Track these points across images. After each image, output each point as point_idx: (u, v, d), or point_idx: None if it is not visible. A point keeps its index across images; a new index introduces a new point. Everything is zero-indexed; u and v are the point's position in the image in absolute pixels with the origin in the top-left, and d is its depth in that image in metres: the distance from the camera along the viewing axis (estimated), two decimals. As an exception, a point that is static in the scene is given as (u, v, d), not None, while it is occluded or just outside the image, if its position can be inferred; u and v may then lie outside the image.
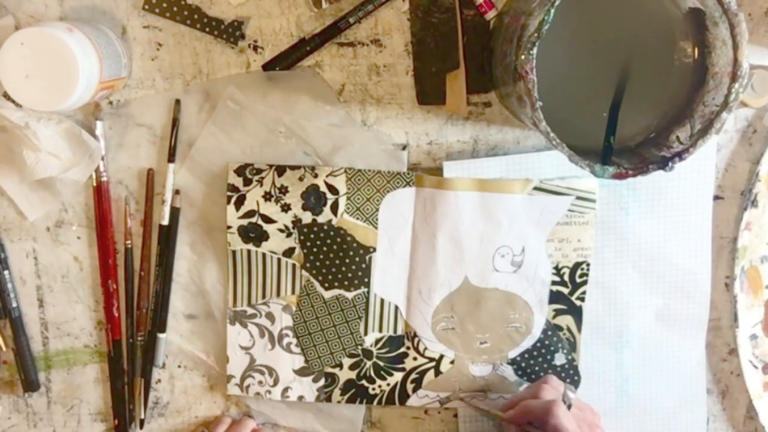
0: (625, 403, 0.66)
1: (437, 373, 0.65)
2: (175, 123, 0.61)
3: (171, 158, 0.62)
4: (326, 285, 0.63)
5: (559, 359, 0.65)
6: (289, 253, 0.63)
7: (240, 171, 0.61)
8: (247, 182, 0.61)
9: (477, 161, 0.61)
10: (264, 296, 0.64)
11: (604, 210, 0.63)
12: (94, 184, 0.62)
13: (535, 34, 0.45)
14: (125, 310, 0.64)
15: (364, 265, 0.63)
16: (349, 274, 0.63)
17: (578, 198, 0.62)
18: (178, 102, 0.61)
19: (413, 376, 0.65)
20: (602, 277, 0.64)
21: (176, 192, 0.63)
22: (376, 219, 0.62)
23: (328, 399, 0.65)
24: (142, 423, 0.66)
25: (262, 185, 0.61)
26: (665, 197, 0.63)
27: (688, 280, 0.65)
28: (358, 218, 0.62)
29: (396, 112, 0.62)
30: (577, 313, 0.64)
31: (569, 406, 0.57)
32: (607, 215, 0.63)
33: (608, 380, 0.66)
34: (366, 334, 0.64)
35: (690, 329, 0.66)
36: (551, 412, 0.55)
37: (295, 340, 0.64)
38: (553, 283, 0.63)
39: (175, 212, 0.63)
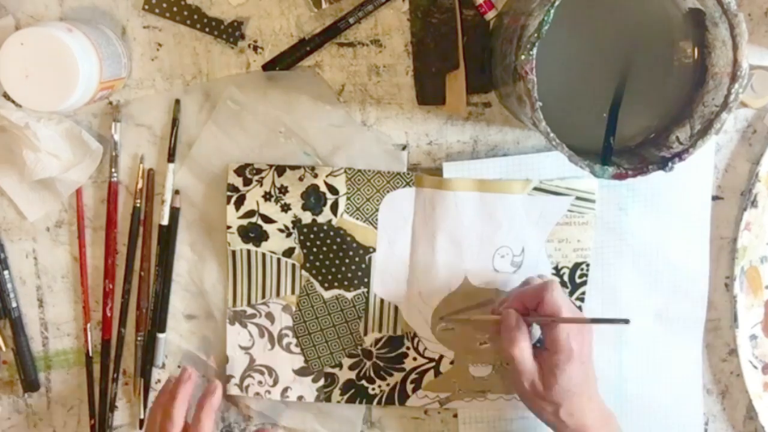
0: (624, 402, 0.66)
1: (437, 373, 0.65)
2: (175, 123, 0.61)
3: (171, 158, 0.62)
4: (326, 285, 0.63)
5: (559, 359, 0.65)
6: (288, 253, 0.63)
7: (240, 171, 0.61)
8: (247, 182, 0.61)
9: (477, 162, 0.61)
10: (264, 296, 0.64)
11: (603, 210, 0.63)
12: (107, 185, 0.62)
13: (535, 35, 0.45)
14: (119, 310, 0.64)
15: (363, 266, 0.63)
16: (349, 274, 0.63)
17: (578, 198, 0.62)
18: (178, 102, 0.61)
19: (413, 376, 0.65)
20: (602, 277, 0.64)
21: (176, 192, 0.63)
22: (376, 219, 0.62)
23: (328, 399, 0.65)
24: (141, 423, 0.66)
25: (262, 185, 0.61)
26: (664, 198, 0.63)
27: (687, 280, 0.65)
28: (358, 218, 0.62)
29: (396, 112, 0.62)
30: (576, 313, 0.64)
31: None
32: (607, 215, 0.63)
33: (607, 380, 0.66)
34: (366, 334, 0.64)
35: (688, 329, 0.66)
36: (548, 288, 0.56)
37: (294, 340, 0.64)
38: (553, 283, 0.63)
39: (174, 212, 0.63)
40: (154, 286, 0.64)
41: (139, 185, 0.62)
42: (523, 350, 0.56)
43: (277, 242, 0.63)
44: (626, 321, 0.52)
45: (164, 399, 0.61)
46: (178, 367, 0.66)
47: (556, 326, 0.55)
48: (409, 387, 0.65)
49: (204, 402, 0.61)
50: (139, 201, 0.63)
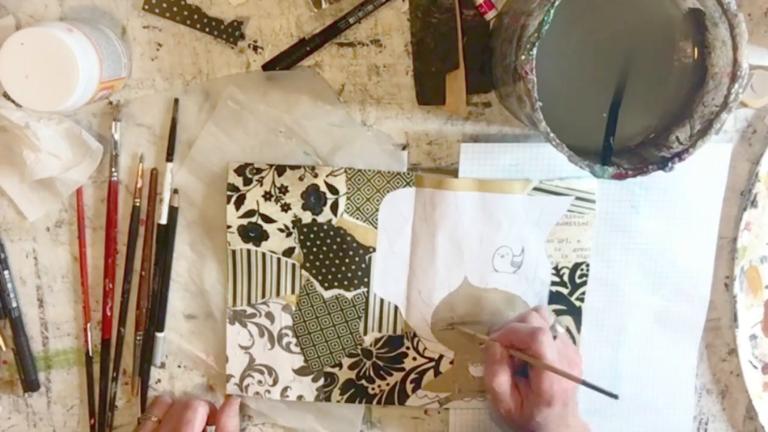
0: (616, 402, 0.66)
1: (437, 373, 0.65)
2: (173, 122, 0.61)
3: (169, 157, 0.62)
4: (326, 285, 0.63)
5: (559, 359, 0.65)
6: (288, 252, 0.63)
7: (240, 171, 0.61)
8: (247, 182, 0.61)
9: (494, 145, 0.61)
10: (264, 296, 0.64)
11: (614, 208, 0.63)
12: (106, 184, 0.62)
13: (535, 35, 0.45)
14: (119, 310, 0.64)
15: (363, 265, 0.63)
16: (349, 274, 0.63)
17: (578, 198, 0.62)
18: (176, 101, 0.61)
19: (413, 376, 0.65)
20: (606, 274, 0.64)
21: (174, 191, 0.63)
22: (376, 219, 0.62)
23: (328, 399, 0.65)
24: (141, 423, 0.66)
25: (262, 185, 0.61)
26: (676, 198, 0.63)
27: (690, 283, 0.65)
28: (358, 218, 0.62)
29: (396, 112, 0.62)
30: (576, 313, 0.64)
31: (554, 338, 0.57)
32: (618, 213, 0.63)
33: (602, 378, 0.66)
34: (365, 333, 0.64)
35: (686, 332, 0.66)
36: (536, 337, 0.56)
37: (294, 340, 0.64)
38: (553, 283, 0.63)
39: (173, 211, 0.63)
40: (152, 285, 0.64)
41: (139, 184, 0.62)
42: (502, 385, 0.57)
43: (277, 242, 0.63)
44: (615, 396, 0.53)
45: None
46: (179, 366, 0.66)
47: (541, 371, 0.55)
48: (409, 387, 0.65)
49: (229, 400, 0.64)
50: (138, 200, 0.63)
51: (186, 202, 0.63)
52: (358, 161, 0.62)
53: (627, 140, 0.53)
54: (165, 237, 0.63)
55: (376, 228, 0.62)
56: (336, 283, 0.63)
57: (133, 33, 0.60)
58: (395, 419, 0.67)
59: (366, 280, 0.63)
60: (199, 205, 0.63)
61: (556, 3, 0.45)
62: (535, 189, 0.61)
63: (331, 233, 0.62)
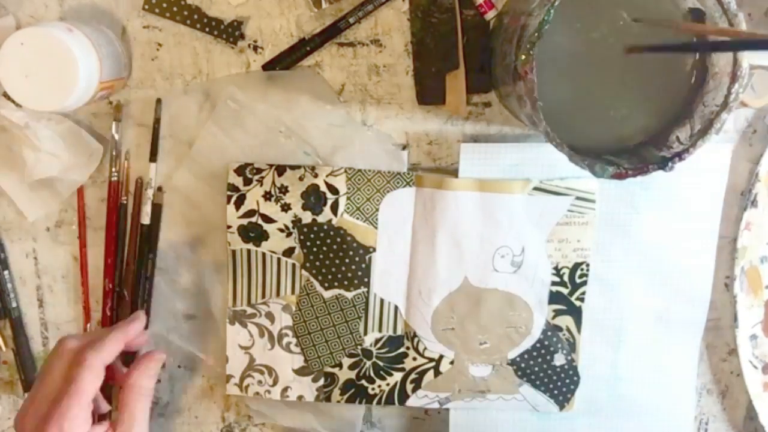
0: (616, 402, 0.66)
1: (437, 373, 0.65)
2: (156, 123, 0.61)
3: (153, 158, 0.62)
4: (326, 285, 0.63)
5: (559, 360, 0.65)
6: (288, 252, 0.63)
7: (240, 171, 0.61)
8: (247, 182, 0.61)
9: (494, 145, 0.61)
10: (264, 296, 0.64)
11: (615, 207, 0.63)
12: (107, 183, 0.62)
13: (535, 35, 0.45)
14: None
15: (363, 265, 0.63)
16: (349, 274, 0.63)
17: (578, 198, 0.62)
18: (159, 101, 0.61)
19: (413, 376, 0.65)
20: (607, 275, 0.64)
21: (159, 189, 0.62)
22: (376, 219, 0.62)
23: (328, 399, 0.65)
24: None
25: (262, 185, 0.61)
26: (676, 198, 0.63)
27: (690, 284, 0.64)
28: (358, 218, 0.62)
29: (396, 112, 0.62)
30: (576, 313, 0.64)
31: None
32: (618, 213, 0.63)
33: (602, 378, 0.66)
34: (366, 333, 0.64)
35: (687, 333, 0.66)
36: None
37: (294, 340, 0.64)
38: (553, 283, 0.63)
39: (156, 209, 0.63)
40: (144, 284, 0.64)
41: (126, 182, 0.62)
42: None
43: (277, 242, 0.63)
44: None
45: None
46: (179, 367, 0.66)
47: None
48: (409, 387, 0.65)
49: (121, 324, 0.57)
50: (125, 199, 0.62)
51: (186, 202, 0.63)
52: (358, 161, 0.62)
53: (627, 140, 0.53)
54: (149, 236, 0.63)
55: (376, 228, 0.62)
56: (336, 283, 0.63)
57: (133, 33, 0.60)
58: (395, 419, 0.67)
59: (366, 280, 0.63)
60: (199, 205, 0.63)
61: (556, 3, 0.45)
62: (535, 189, 0.61)
63: (331, 233, 0.62)
